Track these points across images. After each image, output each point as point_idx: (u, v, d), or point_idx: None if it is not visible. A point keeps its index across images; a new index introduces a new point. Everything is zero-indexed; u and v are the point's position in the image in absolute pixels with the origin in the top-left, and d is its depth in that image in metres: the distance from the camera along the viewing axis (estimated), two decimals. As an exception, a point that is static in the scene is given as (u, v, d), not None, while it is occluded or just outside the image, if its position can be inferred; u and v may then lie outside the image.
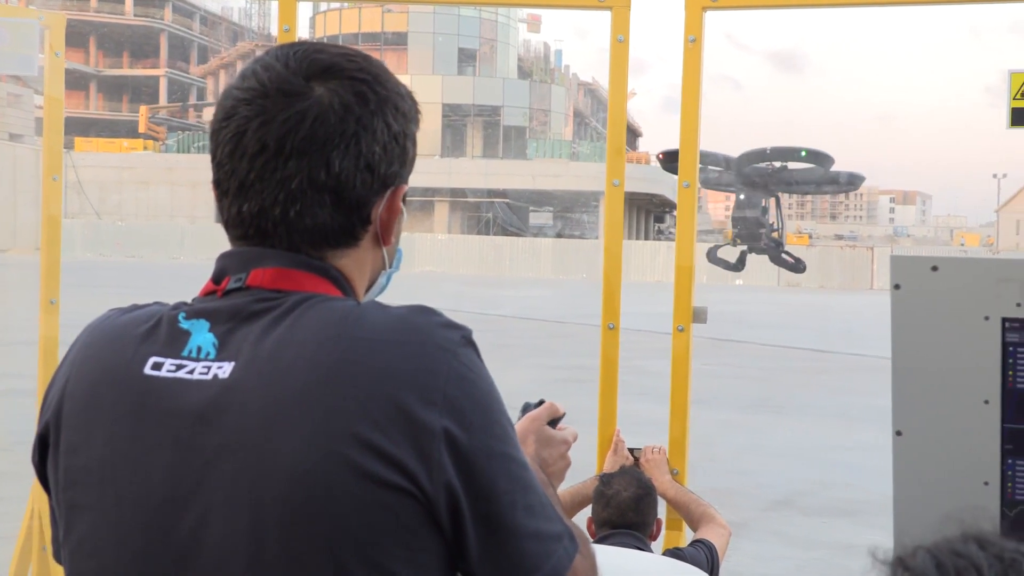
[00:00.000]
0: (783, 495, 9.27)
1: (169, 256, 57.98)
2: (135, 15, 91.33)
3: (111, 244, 58.99)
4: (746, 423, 12.93)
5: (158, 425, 1.33)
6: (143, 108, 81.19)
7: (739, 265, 40.21)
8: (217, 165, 1.42)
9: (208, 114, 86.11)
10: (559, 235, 68.97)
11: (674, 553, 3.25)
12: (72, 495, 1.37)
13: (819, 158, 37.66)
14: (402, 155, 1.45)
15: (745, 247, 39.48)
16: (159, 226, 62.63)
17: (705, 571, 3.13)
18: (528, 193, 68.01)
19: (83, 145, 68.93)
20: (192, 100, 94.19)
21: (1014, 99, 3.57)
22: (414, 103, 1.49)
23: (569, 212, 74.32)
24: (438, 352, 1.32)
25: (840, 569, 7.12)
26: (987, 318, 1.98)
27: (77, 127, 75.73)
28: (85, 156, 64.75)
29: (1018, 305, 1.96)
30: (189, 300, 1.44)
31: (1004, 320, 1.98)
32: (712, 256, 41.58)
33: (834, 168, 35.93)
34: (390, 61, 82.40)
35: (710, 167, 40.80)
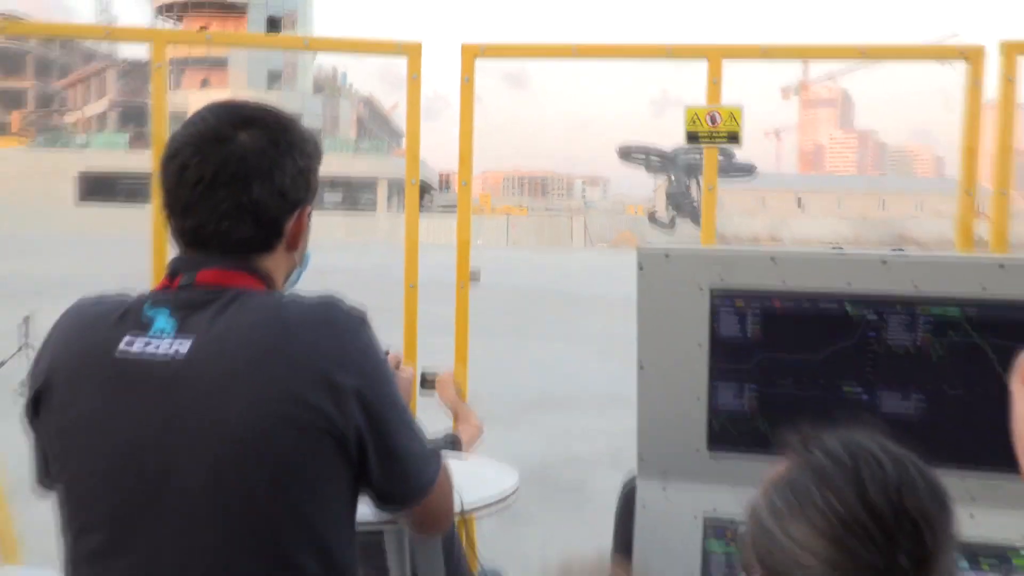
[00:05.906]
0: (532, 397, 9.49)
1: None
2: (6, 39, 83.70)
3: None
4: (502, 347, 13.15)
5: (131, 391, 1.32)
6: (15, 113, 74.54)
7: (672, 225, 42.85)
8: (166, 191, 1.42)
9: (70, 118, 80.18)
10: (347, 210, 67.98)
11: None
12: (66, 441, 1.35)
13: (726, 153, 39.05)
14: (306, 185, 1.48)
15: (675, 213, 41.52)
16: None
17: (448, 451, 3.14)
18: (323, 178, 66.52)
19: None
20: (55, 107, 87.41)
21: (688, 125, 3.71)
22: (316, 146, 1.51)
23: (356, 193, 73.38)
24: (347, 332, 1.37)
25: (565, 447, 7.39)
26: (701, 288, 2.10)
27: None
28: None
29: (721, 279, 2.09)
30: (147, 293, 1.42)
31: (712, 289, 2.10)
32: (651, 218, 43.79)
33: (735, 160, 38.41)
34: (215, 79, 78.95)
35: (652, 156, 42.22)
